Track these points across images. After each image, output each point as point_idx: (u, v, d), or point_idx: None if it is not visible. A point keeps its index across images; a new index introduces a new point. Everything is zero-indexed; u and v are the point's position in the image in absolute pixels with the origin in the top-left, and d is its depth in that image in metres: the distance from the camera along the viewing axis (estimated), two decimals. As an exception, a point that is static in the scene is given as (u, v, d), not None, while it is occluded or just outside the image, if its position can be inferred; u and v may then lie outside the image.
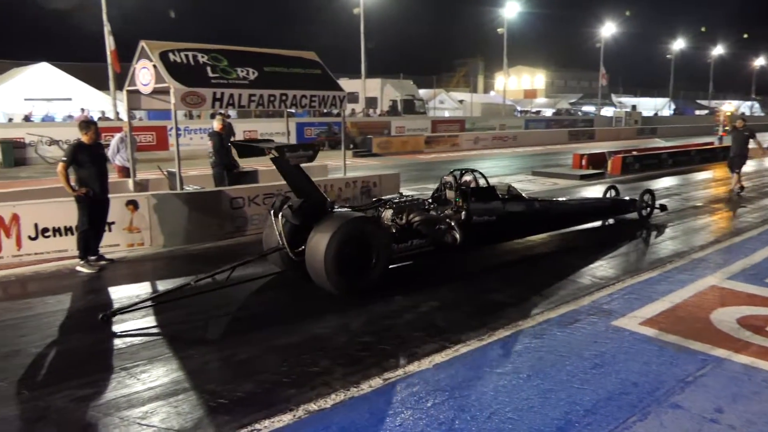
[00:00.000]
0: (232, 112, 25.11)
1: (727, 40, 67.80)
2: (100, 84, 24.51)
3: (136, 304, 5.50)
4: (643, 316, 5.44)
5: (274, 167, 6.44)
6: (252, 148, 6.43)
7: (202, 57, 8.20)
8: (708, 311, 5.55)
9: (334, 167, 12.46)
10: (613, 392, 4.02)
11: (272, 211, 6.38)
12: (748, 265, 7.18)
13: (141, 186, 9.39)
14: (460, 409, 3.80)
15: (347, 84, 28.39)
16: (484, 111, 44.59)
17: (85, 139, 6.88)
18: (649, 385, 4.12)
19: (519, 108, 56.88)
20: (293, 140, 21.57)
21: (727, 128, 12.87)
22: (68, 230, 7.20)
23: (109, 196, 7.18)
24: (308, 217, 6.10)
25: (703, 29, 69.22)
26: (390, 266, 6.39)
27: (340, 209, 6.51)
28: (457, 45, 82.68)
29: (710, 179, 16.27)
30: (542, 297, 6.11)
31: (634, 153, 18.31)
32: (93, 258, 7.07)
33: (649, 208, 10.01)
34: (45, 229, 7.14)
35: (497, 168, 19.49)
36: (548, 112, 53.92)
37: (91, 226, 6.89)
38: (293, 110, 11.92)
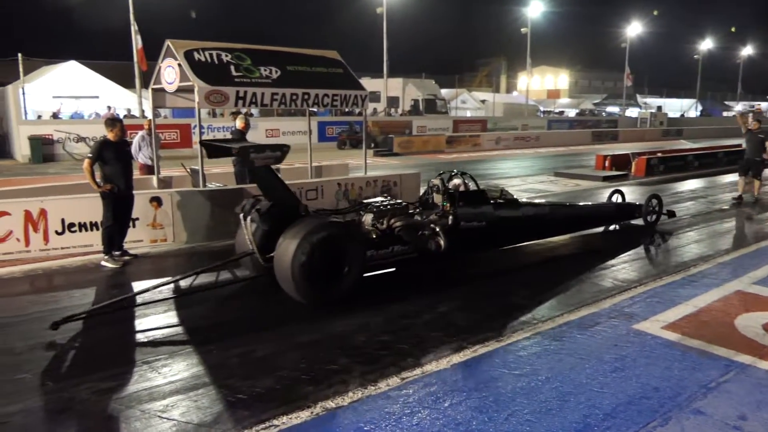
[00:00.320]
0: (254, 111, 25.35)
1: (757, 40, 66.48)
2: (127, 82, 24.90)
3: (89, 311, 5.31)
4: (666, 320, 5.35)
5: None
6: (219, 147, 6.37)
7: (226, 56, 8.30)
8: (733, 316, 5.45)
9: (356, 166, 12.51)
10: (634, 396, 3.96)
11: (242, 215, 6.10)
12: (776, 270, 7.02)
13: (165, 183, 9.53)
14: (477, 409, 3.79)
15: (369, 83, 28.39)
16: (507, 111, 44.19)
17: (110, 136, 6.99)
18: (671, 390, 4.06)
19: (542, 108, 56.38)
20: (314, 139, 21.66)
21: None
22: (93, 226, 7.35)
23: (134, 192, 7.29)
24: (279, 221, 5.83)
25: (732, 29, 67.83)
26: (368, 274, 6.06)
27: (314, 214, 6.26)
28: (479, 45, 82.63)
29: (737, 182, 15.88)
30: (562, 299, 6.06)
31: (659, 154, 18.01)
32: (117, 253, 7.20)
33: (655, 215, 9.41)
34: (71, 225, 7.30)
35: (519, 168, 19.36)
36: (571, 113, 53.39)
37: (116, 221, 7.00)
38: (315, 109, 12.00)
